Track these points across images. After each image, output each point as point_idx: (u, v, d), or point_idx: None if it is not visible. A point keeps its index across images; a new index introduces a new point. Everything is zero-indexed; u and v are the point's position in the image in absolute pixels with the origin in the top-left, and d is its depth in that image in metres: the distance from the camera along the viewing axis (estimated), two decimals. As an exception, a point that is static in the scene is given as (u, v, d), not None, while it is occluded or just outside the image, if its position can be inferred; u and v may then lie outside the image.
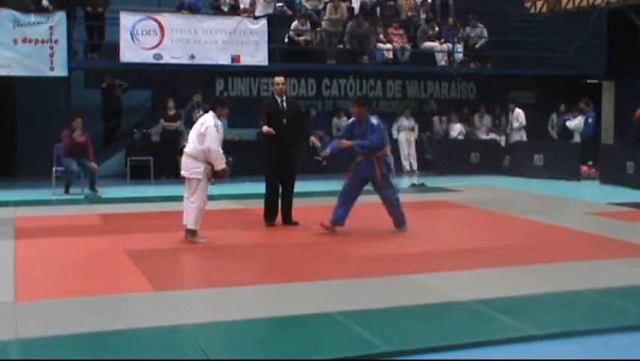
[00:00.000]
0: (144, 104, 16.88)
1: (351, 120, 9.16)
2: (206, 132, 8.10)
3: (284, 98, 9.30)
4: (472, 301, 5.82)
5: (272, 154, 9.18)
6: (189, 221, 8.24)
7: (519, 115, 17.32)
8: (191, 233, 8.28)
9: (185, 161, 8.29)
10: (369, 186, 9.22)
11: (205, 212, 8.38)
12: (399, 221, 9.05)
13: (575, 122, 17.10)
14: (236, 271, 7.10)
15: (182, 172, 8.34)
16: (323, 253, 8.03)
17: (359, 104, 8.98)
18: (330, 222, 8.88)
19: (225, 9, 15.95)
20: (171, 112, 15.47)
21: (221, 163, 8.17)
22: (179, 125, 15.47)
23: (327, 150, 9.08)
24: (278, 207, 9.40)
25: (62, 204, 11.76)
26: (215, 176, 8.36)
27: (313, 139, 9.72)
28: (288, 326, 5.28)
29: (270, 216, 9.31)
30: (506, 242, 8.59)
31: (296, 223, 9.37)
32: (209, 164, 8.22)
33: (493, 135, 17.93)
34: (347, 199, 8.95)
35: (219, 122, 8.24)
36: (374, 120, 8.88)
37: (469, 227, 9.87)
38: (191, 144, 8.22)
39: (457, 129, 17.62)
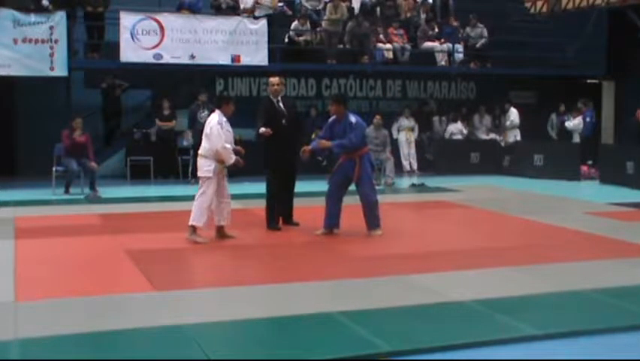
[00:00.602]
0: (144, 104, 16.87)
1: (330, 119, 9.11)
2: (210, 133, 8.21)
3: (279, 98, 9.27)
4: (472, 301, 5.82)
5: (272, 155, 9.15)
6: (192, 217, 8.26)
7: (512, 114, 17.33)
8: (191, 230, 8.29)
9: (198, 161, 8.42)
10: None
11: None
12: (371, 223, 8.83)
13: (575, 123, 17.10)
14: (236, 271, 7.11)
15: (198, 173, 8.46)
16: (323, 253, 8.03)
17: (337, 102, 8.98)
18: (325, 228, 8.86)
19: (224, 7, 15.91)
20: (166, 112, 15.50)
21: (230, 159, 8.24)
22: (174, 124, 15.52)
23: (307, 148, 9.03)
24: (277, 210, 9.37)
25: (62, 204, 11.75)
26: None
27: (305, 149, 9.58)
28: (288, 326, 5.28)
29: (273, 220, 9.25)
30: (506, 242, 8.60)
31: (296, 224, 9.35)
32: (221, 162, 8.30)
33: (493, 135, 17.94)
34: (334, 201, 8.88)
35: (224, 120, 8.28)
36: (353, 118, 8.82)
37: (469, 227, 9.87)
38: (203, 144, 8.36)
39: (450, 130, 17.63)
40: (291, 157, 9.22)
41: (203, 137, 8.34)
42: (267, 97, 9.56)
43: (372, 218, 8.86)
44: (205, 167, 8.26)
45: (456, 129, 17.58)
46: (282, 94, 9.48)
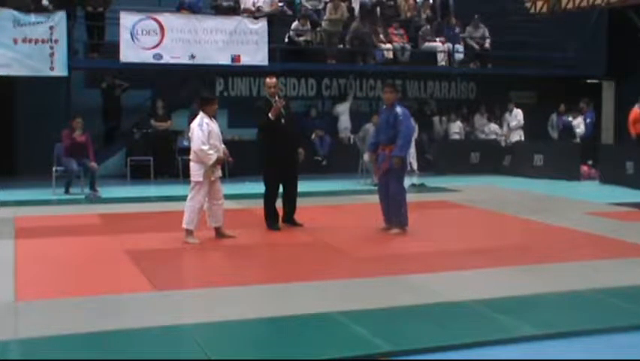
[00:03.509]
0: (144, 104, 16.89)
1: (379, 111, 9.22)
2: (192, 135, 8.31)
3: (276, 98, 9.23)
4: (472, 301, 5.82)
5: (272, 154, 9.12)
6: (184, 221, 8.31)
7: (518, 114, 17.36)
8: (187, 233, 8.32)
9: (190, 165, 8.45)
10: (372, 186, 9.23)
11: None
12: (398, 221, 8.89)
13: (582, 127, 17.10)
14: (236, 271, 7.11)
15: (191, 177, 8.48)
16: (323, 253, 8.03)
17: (394, 89, 9.21)
18: (385, 223, 8.96)
19: (224, 4, 15.90)
20: (160, 111, 15.53)
21: (209, 159, 8.23)
22: (169, 124, 15.56)
23: (385, 167, 8.91)
24: (278, 210, 9.36)
25: (62, 204, 11.76)
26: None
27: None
28: (288, 326, 5.28)
29: (273, 221, 9.22)
30: (506, 242, 8.59)
31: (300, 224, 9.33)
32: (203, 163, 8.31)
33: (493, 135, 17.94)
34: (381, 197, 9.02)
35: (206, 120, 8.32)
36: (399, 109, 8.86)
37: (469, 227, 9.86)
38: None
39: (452, 128, 17.70)
40: (292, 156, 9.21)
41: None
42: (265, 97, 9.55)
43: (397, 215, 8.90)
44: (195, 171, 8.32)
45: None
46: (282, 94, 9.46)
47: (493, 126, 17.82)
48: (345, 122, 17.28)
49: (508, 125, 17.46)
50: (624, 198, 12.35)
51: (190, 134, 8.41)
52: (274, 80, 9.32)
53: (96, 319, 5.34)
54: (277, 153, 9.07)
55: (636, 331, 5.19)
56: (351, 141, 16.48)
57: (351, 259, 7.62)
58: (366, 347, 4.74)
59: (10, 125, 16.02)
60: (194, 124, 8.32)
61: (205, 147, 8.19)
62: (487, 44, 18.50)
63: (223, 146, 8.58)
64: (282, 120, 9.11)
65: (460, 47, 18.13)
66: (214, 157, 8.25)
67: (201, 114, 8.39)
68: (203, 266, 7.62)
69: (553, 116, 18.16)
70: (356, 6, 17.92)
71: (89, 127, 13.37)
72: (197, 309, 5.75)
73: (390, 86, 9.41)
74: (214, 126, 8.38)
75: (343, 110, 17.38)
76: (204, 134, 8.21)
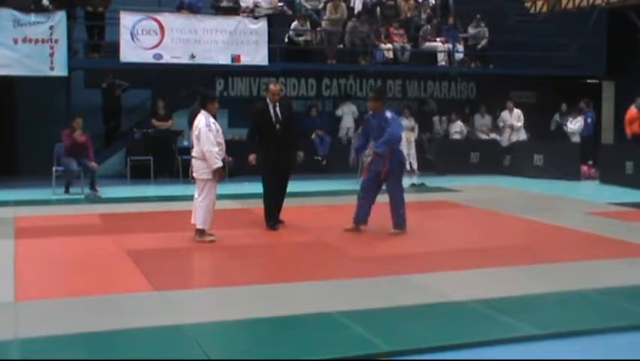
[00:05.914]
0: (144, 104, 16.89)
1: (366, 116, 9.22)
2: (200, 134, 8.20)
3: (276, 103, 9.17)
4: (472, 301, 5.83)
5: (267, 158, 9.11)
6: (198, 220, 8.27)
7: (520, 115, 17.37)
8: (200, 232, 8.30)
9: (194, 163, 8.46)
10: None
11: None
12: (396, 223, 8.93)
13: (576, 126, 17.07)
14: (236, 271, 7.11)
15: (194, 174, 8.47)
16: (323, 253, 8.03)
17: (377, 98, 9.08)
18: (353, 223, 8.96)
19: (224, 4, 15.89)
20: (161, 111, 15.56)
21: (215, 163, 8.17)
22: (170, 124, 15.58)
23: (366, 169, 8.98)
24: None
25: (62, 204, 11.75)
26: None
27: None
28: (288, 326, 5.28)
29: (272, 220, 9.24)
30: (506, 242, 8.60)
31: (282, 222, 9.31)
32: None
33: (493, 135, 17.94)
34: (365, 196, 9.00)
35: (212, 121, 8.29)
36: (388, 114, 8.90)
37: (469, 227, 9.87)
38: (195, 147, 8.35)
39: (452, 128, 17.70)
40: (285, 161, 9.20)
41: (195, 139, 8.33)
42: (264, 101, 9.40)
43: (397, 216, 8.94)
44: (202, 169, 8.26)
45: (456, 128, 17.62)
46: (281, 94, 9.44)
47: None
48: (348, 122, 17.29)
49: (505, 123, 17.41)
50: (624, 198, 12.35)
51: (197, 133, 8.22)
52: (278, 87, 9.27)
53: (96, 319, 5.34)
54: (272, 155, 9.06)
55: (636, 331, 5.20)
56: (352, 139, 16.44)
57: (351, 259, 7.62)
58: (366, 347, 4.75)
59: (10, 125, 16.00)
60: (202, 124, 8.19)
61: (215, 150, 8.15)
62: (479, 45, 18.47)
63: (223, 145, 8.54)
64: (278, 127, 9.08)
65: (460, 47, 18.12)
66: (220, 163, 8.19)
67: (205, 114, 8.32)
68: (203, 266, 7.63)
69: (557, 117, 18.13)
70: (356, 5, 17.91)
71: (89, 127, 13.35)
72: (197, 309, 5.75)
73: (373, 93, 9.39)
74: (217, 126, 8.34)
75: (347, 111, 17.37)
76: (214, 134, 8.19)
